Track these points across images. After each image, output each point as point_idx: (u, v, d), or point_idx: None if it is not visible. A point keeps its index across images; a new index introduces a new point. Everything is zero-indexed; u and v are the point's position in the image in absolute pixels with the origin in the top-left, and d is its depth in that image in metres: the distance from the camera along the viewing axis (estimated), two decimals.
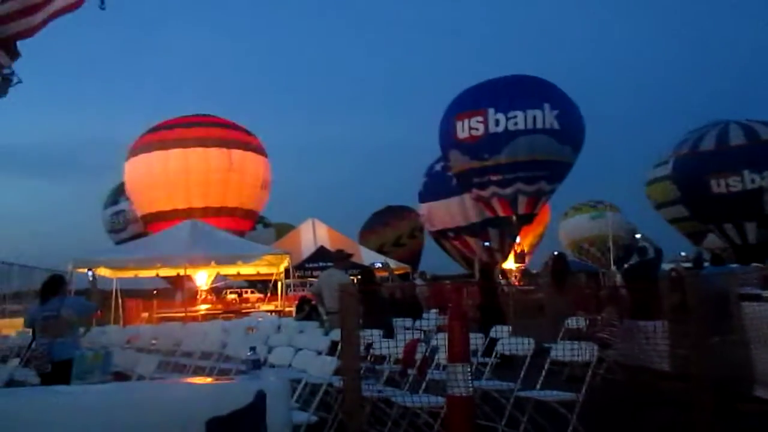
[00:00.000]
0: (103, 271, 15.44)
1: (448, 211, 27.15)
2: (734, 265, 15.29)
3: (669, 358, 7.36)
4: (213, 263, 15.90)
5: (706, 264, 12.94)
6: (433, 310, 10.80)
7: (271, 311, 16.58)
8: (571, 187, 26.33)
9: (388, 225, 34.63)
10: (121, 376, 6.30)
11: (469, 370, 3.84)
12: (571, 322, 7.96)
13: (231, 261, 15.88)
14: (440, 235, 29.63)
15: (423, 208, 30.10)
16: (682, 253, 21.03)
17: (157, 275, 17.94)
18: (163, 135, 25.73)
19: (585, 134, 23.73)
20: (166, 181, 24.70)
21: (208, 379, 3.55)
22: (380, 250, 33.81)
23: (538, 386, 5.38)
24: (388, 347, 6.07)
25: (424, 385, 5.49)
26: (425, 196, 29.60)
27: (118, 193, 31.89)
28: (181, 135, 25.35)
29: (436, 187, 27.83)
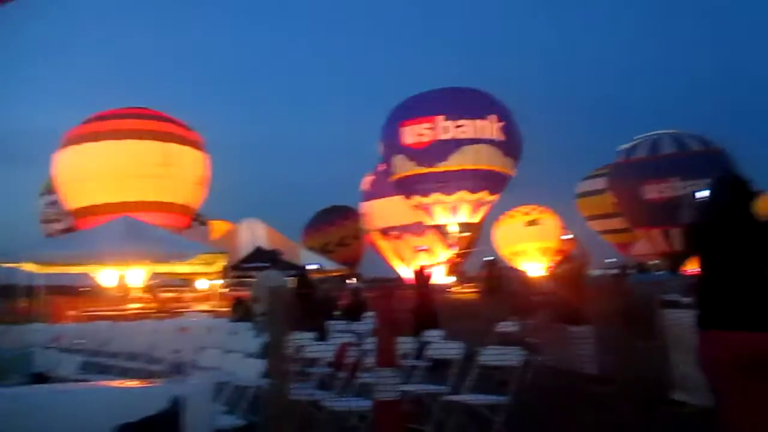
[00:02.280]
0: (29, 267, 14.77)
1: (394, 209, 27.23)
2: (660, 273, 15.97)
3: (597, 362, 7.61)
4: (147, 261, 15.43)
5: (633, 272, 13.48)
6: (369, 313, 10.83)
7: (205, 311, 16.23)
8: (507, 195, 26.97)
9: (333, 224, 34.57)
10: (41, 378, 6.04)
11: (396, 374, 3.85)
12: (503, 327, 8.11)
13: (165, 259, 15.46)
14: (382, 234, 29.72)
15: (366, 207, 30.12)
16: (611, 260, 21.86)
17: (86, 272, 17.29)
18: (96, 126, 24.85)
19: (523, 148, 24.43)
20: (98, 174, 23.84)
21: (124, 383, 3.43)
22: (324, 249, 33.69)
23: (466, 390, 5.44)
24: (321, 350, 6.03)
25: (354, 388, 5.48)
26: (370, 194, 29.63)
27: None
28: (115, 127, 24.53)
29: (382, 185, 27.92)
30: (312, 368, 6.23)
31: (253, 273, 14.91)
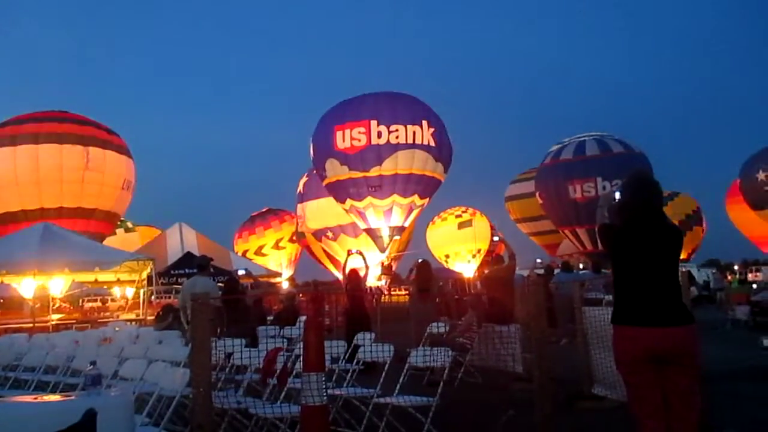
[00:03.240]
0: None
1: (329, 210, 27.05)
2: (584, 272, 16.57)
3: (522, 360, 7.83)
4: (66, 269, 14.77)
5: (557, 271, 13.93)
6: (302, 318, 10.75)
7: (131, 320, 15.69)
8: (438, 199, 27.40)
9: (269, 227, 34.08)
10: None
11: (323, 378, 3.84)
12: (434, 328, 8.23)
13: (87, 267, 14.83)
14: (317, 236, 29.51)
15: (301, 208, 29.85)
16: (538, 260, 22.49)
17: (2, 282, 16.39)
18: (12, 130, 23.60)
19: (453, 154, 24.89)
20: (14, 180, 22.63)
21: (37, 398, 3.28)
22: (259, 252, 33.10)
23: (397, 392, 5.48)
24: (250, 356, 5.94)
25: (283, 394, 5.42)
26: (305, 196, 29.40)
27: None
28: (33, 130, 23.33)
29: (317, 186, 27.70)
30: (241, 375, 6.14)
31: (183, 279, 14.54)
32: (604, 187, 24.14)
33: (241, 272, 12.61)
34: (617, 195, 3.88)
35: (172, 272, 17.40)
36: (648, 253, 3.55)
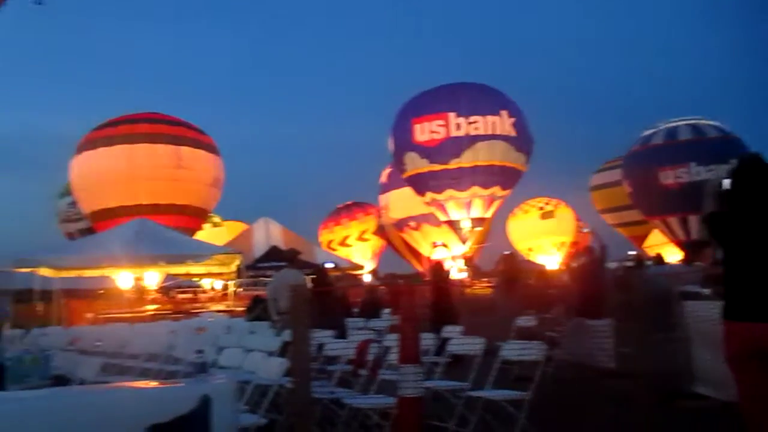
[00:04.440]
0: (45, 271, 14.90)
1: (412, 199, 27.13)
2: (677, 264, 15.85)
3: (614, 356, 7.56)
4: (161, 263, 15.52)
5: (650, 264, 13.37)
6: (387, 310, 10.82)
7: (221, 311, 16.30)
8: (521, 190, 26.89)
9: (354, 218, 34.60)
10: (61, 380, 6.08)
11: (419, 370, 3.84)
12: (522, 321, 8.08)
13: (180, 260, 15.53)
14: (399, 227, 29.65)
15: (384, 199, 30.05)
16: (630, 253, 21.71)
17: (102, 274, 17.41)
18: (109, 132, 25.07)
19: (534, 143, 24.35)
20: (112, 178, 24.05)
21: (150, 384, 3.44)
22: (343, 243, 33.71)
23: (488, 385, 5.41)
24: (341, 348, 6.03)
25: (375, 385, 5.47)
26: (388, 186, 29.58)
27: None
28: (128, 131, 24.73)
29: (399, 176, 27.84)
30: (332, 366, 6.24)
31: (270, 272, 14.97)
32: (698, 173, 22.87)
33: (329, 265, 12.82)
34: (726, 182, 3.64)
35: (258, 265, 17.96)
36: (761, 242, 3.32)
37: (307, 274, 10.03)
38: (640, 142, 26.36)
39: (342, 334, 7.44)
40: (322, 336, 6.57)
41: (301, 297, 3.82)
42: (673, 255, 23.74)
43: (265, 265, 17.59)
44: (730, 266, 3.45)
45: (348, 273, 17.08)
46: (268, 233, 20.94)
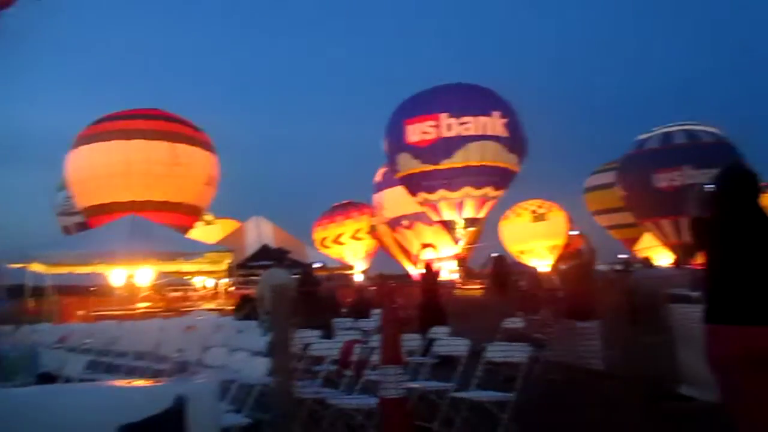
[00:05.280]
0: (37, 267, 14.85)
1: (405, 197, 27.13)
2: (666, 267, 15.92)
3: (602, 357, 7.59)
4: (152, 260, 15.48)
5: (638, 267, 13.43)
6: (377, 310, 10.82)
7: (212, 310, 16.27)
8: (515, 191, 26.93)
9: (349, 216, 34.63)
10: (48, 378, 6.06)
11: (401, 371, 3.84)
12: (509, 323, 8.10)
13: (171, 258, 15.49)
14: (392, 226, 29.65)
15: (378, 198, 30.04)
16: (621, 256, 21.83)
17: (93, 271, 17.35)
18: (105, 127, 25.02)
19: (528, 144, 24.39)
20: (107, 173, 23.99)
21: (127, 382, 3.43)
22: (336, 240, 33.78)
23: (473, 387, 5.42)
24: (326, 348, 6.02)
25: (360, 385, 5.47)
26: (382, 185, 29.57)
27: None
28: (124, 126, 24.68)
29: (394, 175, 27.85)
30: (318, 366, 6.24)
31: (260, 271, 14.96)
32: (692, 176, 23.02)
33: (317, 265, 12.83)
34: (710, 186, 3.68)
35: (249, 264, 17.94)
36: (742, 247, 3.36)
37: (295, 274, 10.06)
38: (635, 145, 26.59)
39: (329, 334, 7.44)
40: (309, 336, 6.57)
41: (284, 297, 3.82)
42: (665, 258, 23.86)
43: (256, 263, 17.57)
44: (712, 270, 3.48)
45: (336, 273, 17.08)
46: (260, 232, 20.91)
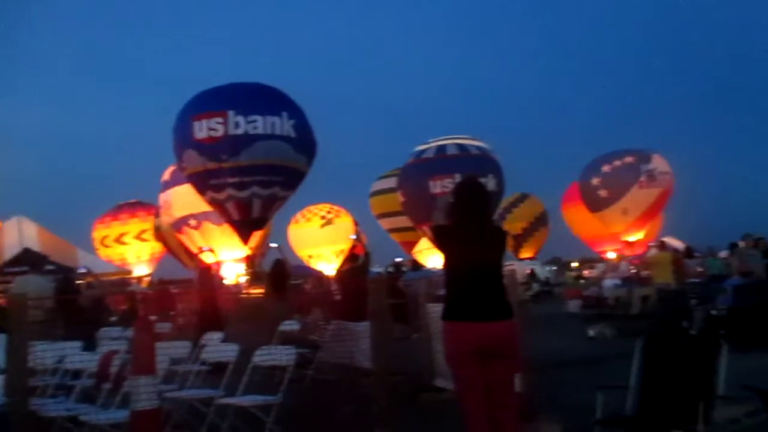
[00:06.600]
0: None
1: (194, 195, 25.85)
2: (434, 269, 17.34)
3: (371, 356, 8.05)
4: None
5: (407, 269, 14.45)
6: (152, 317, 10.31)
7: None
8: (305, 195, 27.31)
9: (135, 216, 32.09)
10: None
11: (155, 381, 3.74)
12: (285, 326, 8.23)
13: None
14: (178, 225, 28.21)
15: (165, 197, 28.35)
16: (397, 259, 23.19)
17: None
18: None
19: (317, 147, 24.87)
20: None
21: None
22: (119, 240, 31.21)
23: (239, 392, 5.44)
24: (84, 360, 5.63)
25: (118, 399, 5.20)
26: (171, 182, 27.98)
27: None
28: None
29: (182, 174, 26.42)
30: (75, 380, 5.80)
31: (18, 278, 13.39)
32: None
33: (81, 270, 11.84)
34: (449, 198, 4.12)
35: (7, 270, 15.97)
36: (472, 252, 3.77)
37: (57, 280, 9.20)
38: (414, 155, 28.68)
39: (92, 345, 6.94)
40: (67, 348, 6.08)
41: (23, 307, 3.51)
42: (438, 260, 25.96)
43: (16, 269, 15.65)
44: (448, 272, 3.89)
45: (110, 278, 15.90)
46: (22, 233, 18.70)
